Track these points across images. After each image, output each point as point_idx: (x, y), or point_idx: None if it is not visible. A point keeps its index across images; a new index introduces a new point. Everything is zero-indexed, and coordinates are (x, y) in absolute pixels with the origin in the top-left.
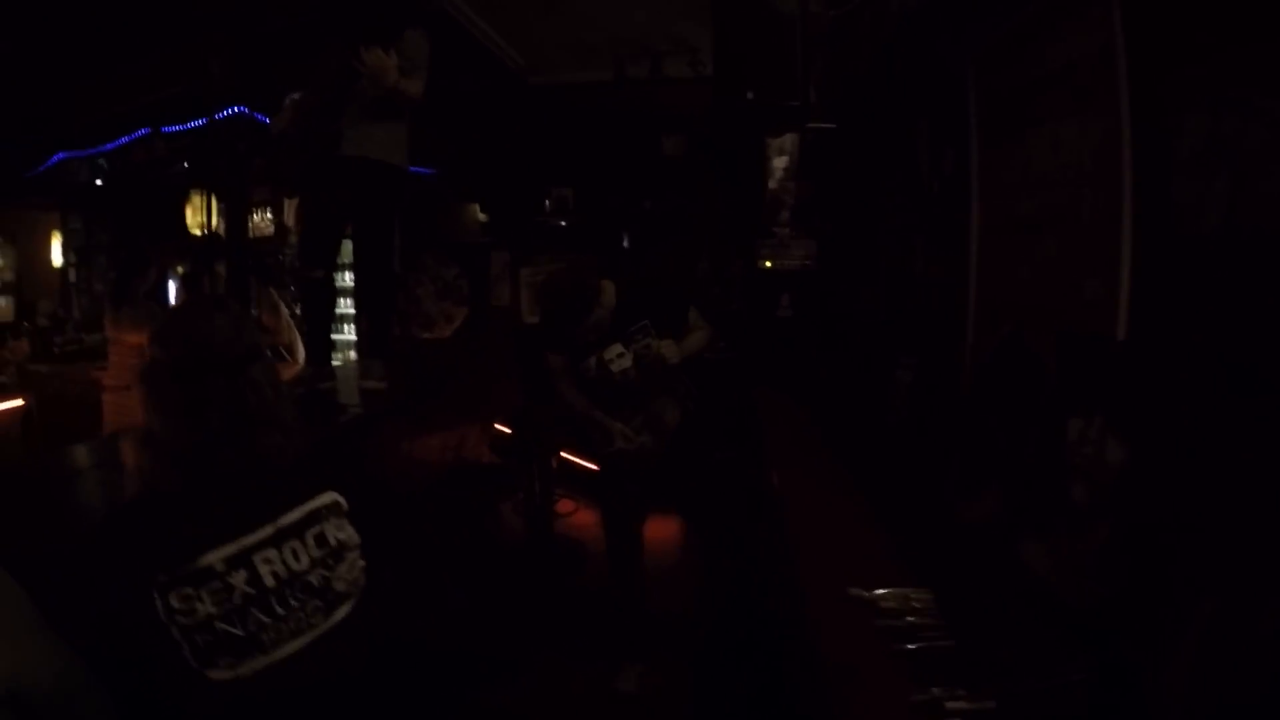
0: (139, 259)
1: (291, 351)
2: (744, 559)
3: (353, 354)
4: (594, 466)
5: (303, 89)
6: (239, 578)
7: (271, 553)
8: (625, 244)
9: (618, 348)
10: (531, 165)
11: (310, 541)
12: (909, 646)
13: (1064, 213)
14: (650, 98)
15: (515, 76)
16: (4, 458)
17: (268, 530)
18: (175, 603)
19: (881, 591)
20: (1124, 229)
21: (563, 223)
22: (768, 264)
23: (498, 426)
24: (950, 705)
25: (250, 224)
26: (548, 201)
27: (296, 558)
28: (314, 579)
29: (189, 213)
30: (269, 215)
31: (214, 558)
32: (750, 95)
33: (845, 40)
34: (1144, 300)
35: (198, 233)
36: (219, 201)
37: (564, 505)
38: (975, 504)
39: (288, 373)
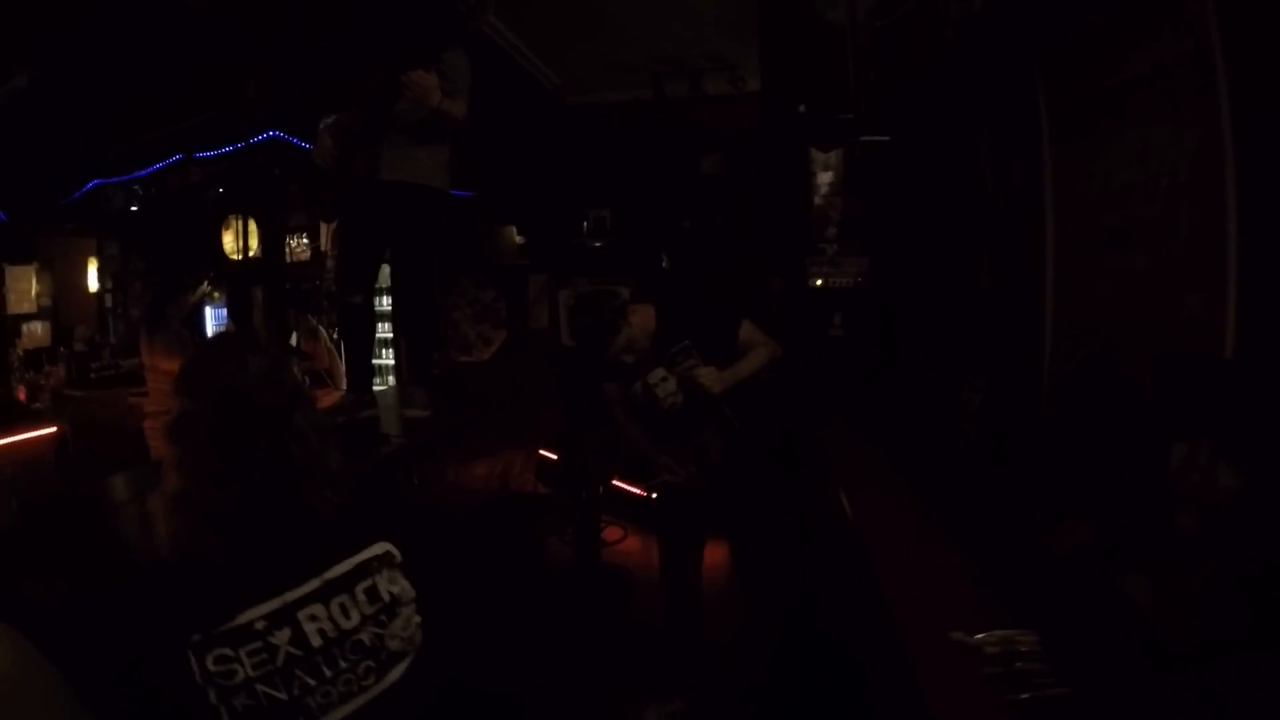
0: (173, 285)
1: (333, 377)
2: (799, 589)
3: (391, 379)
4: (641, 493)
5: (338, 112)
6: (282, 636)
7: (318, 609)
8: (664, 264)
9: (660, 371)
10: (569, 186)
11: (361, 596)
12: (1022, 697)
13: (1155, 225)
14: (688, 116)
15: (552, 97)
16: (39, 486)
17: (314, 584)
18: (212, 665)
19: (984, 635)
20: (1229, 242)
21: (597, 244)
22: (818, 282)
23: (543, 453)
24: None
25: (287, 249)
26: (585, 223)
27: (346, 614)
28: (365, 637)
29: (226, 238)
30: (305, 240)
31: (254, 615)
32: (802, 108)
33: (897, 50)
34: (1254, 316)
35: (235, 258)
36: (256, 227)
37: (611, 533)
38: (1067, 533)
39: (328, 400)
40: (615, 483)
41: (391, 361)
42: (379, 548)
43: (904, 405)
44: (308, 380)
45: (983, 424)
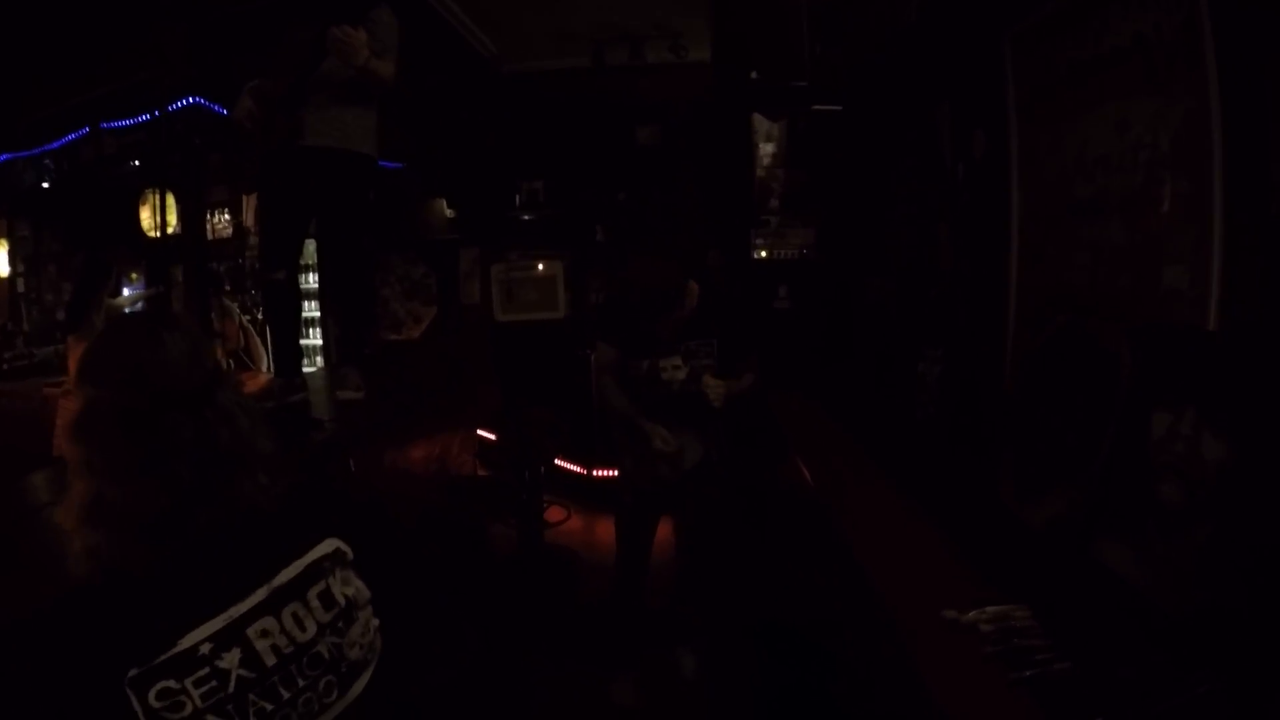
0: (97, 269)
1: (252, 358)
2: (756, 569)
3: (320, 360)
4: (583, 471)
5: (262, 75)
6: (231, 658)
7: (269, 622)
8: (599, 238)
9: (676, 360)
10: (502, 157)
11: (315, 603)
12: (1026, 674)
13: (1135, 197)
14: (627, 86)
15: (488, 64)
16: None
17: (261, 594)
18: (155, 701)
19: (977, 613)
20: (1215, 214)
21: (526, 217)
22: (762, 254)
23: (481, 433)
24: None
25: (208, 226)
26: (518, 195)
27: (300, 625)
28: (324, 649)
29: (143, 214)
30: (227, 216)
31: (198, 637)
32: (754, 75)
33: (855, 16)
34: (1239, 288)
35: (154, 235)
36: (175, 201)
37: (554, 513)
38: (1041, 505)
39: (254, 384)
40: (558, 462)
41: (319, 342)
42: (328, 545)
43: (858, 378)
44: (231, 364)
45: (942, 396)
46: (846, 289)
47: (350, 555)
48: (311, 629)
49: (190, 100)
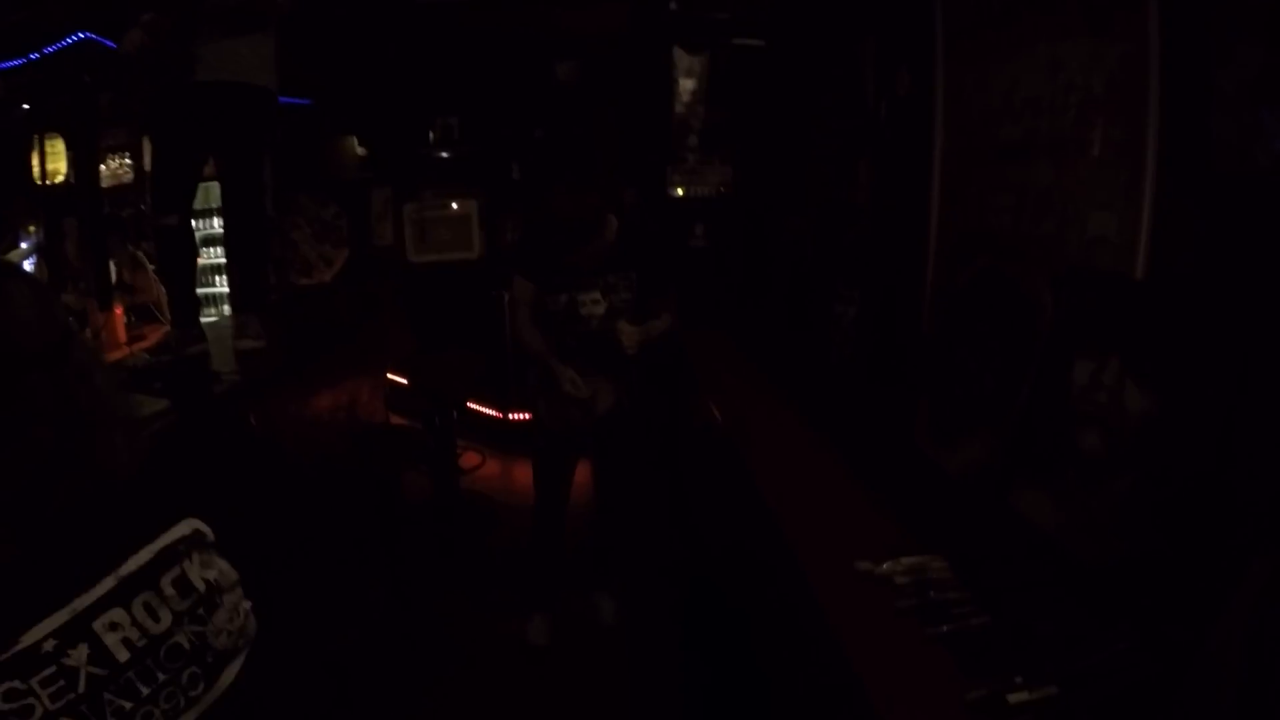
0: None
1: (163, 310)
2: (669, 511)
3: (227, 309)
4: (498, 414)
5: (154, 6)
6: (79, 655)
7: (118, 614)
8: (515, 175)
9: (595, 294)
10: (415, 92)
11: (169, 590)
12: (943, 629)
13: (1063, 140)
14: (545, 18)
15: None
16: None
17: (108, 584)
18: (1, 703)
19: (891, 564)
20: (1147, 162)
21: (440, 154)
22: (679, 191)
23: (391, 377)
24: (1012, 699)
25: (106, 171)
26: (432, 132)
27: (154, 616)
28: (183, 639)
29: (34, 162)
30: (127, 160)
31: (40, 633)
32: (673, 5)
33: None
34: (1170, 238)
35: (44, 184)
36: (65, 147)
37: (469, 459)
38: (958, 450)
39: (154, 337)
40: (472, 406)
41: (226, 290)
42: (184, 527)
43: (773, 317)
44: (132, 317)
45: (858, 337)
46: (763, 228)
47: (210, 536)
48: (167, 619)
49: (79, 36)
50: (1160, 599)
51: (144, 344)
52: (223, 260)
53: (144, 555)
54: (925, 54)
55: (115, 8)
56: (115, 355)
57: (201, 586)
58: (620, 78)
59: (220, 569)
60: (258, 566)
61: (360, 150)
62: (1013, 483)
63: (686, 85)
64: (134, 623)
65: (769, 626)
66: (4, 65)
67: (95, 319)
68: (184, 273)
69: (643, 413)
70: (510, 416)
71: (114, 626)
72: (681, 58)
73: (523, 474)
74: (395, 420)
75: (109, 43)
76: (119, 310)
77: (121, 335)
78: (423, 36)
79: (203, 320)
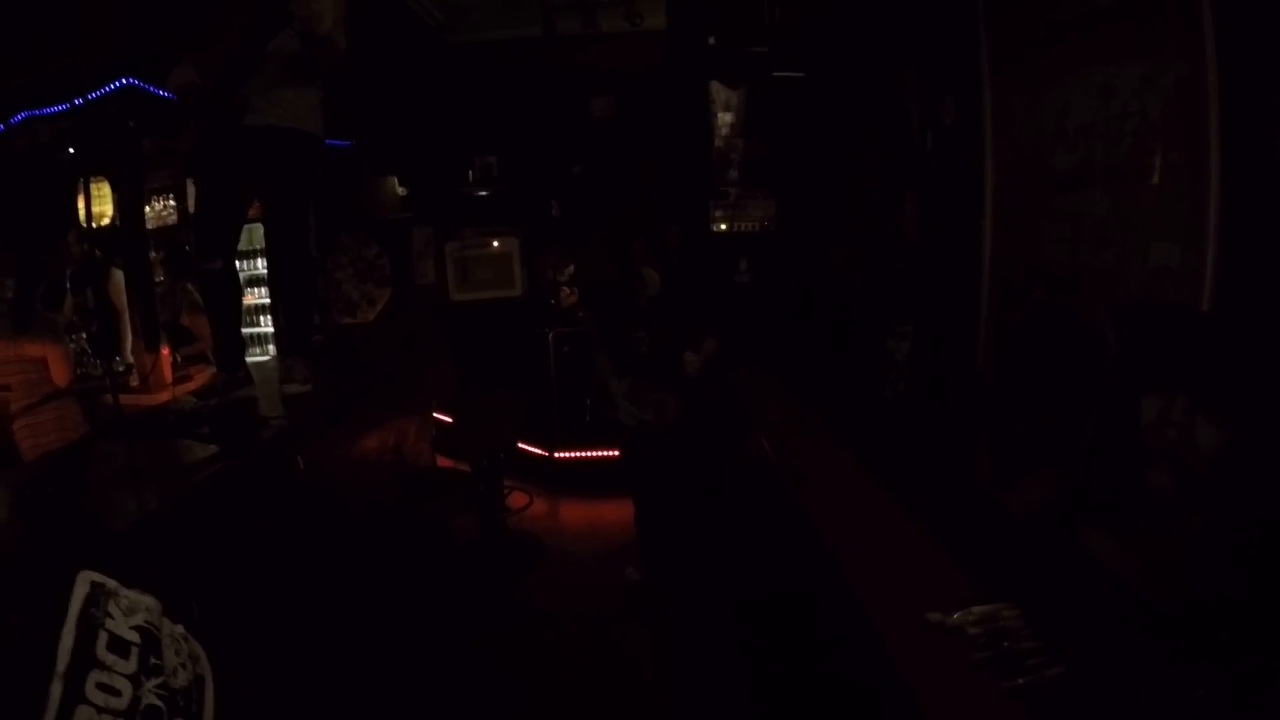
0: (33, 266)
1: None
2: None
3: (272, 348)
4: (540, 451)
5: (200, 51)
6: None
7: (85, 712)
8: (554, 212)
9: (641, 333)
10: (453, 132)
11: (110, 658)
12: (1019, 682)
13: (1120, 168)
14: (579, 56)
15: (435, 34)
16: None
17: (56, 690)
18: None
19: (962, 614)
20: (1211, 188)
21: (479, 193)
22: (722, 226)
23: (437, 415)
24: None
25: (151, 213)
26: (471, 171)
27: (113, 691)
28: (151, 698)
29: (80, 205)
30: (172, 202)
31: None
32: (711, 40)
33: None
34: (1237, 266)
35: (90, 227)
36: (111, 190)
37: (516, 499)
38: (1020, 490)
39: (202, 377)
40: (520, 445)
41: (270, 329)
42: (83, 585)
43: (822, 352)
44: (179, 359)
45: (912, 373)
46: (808, 261)
47: (109, 583)
48: (126, 689)
49: (123, 81)
50: (1236, 641)
51: (189, 385)
52: (267, 300)
53: (67, 639)
54: (971, 80)
55: (160, 55)
56: (161, 397)
57: (135, 637)
58: (657, 112)
59: (144, 605)
60: (173, 583)
61: (401, 190)
62: (1079, 523)
63: (725, 119)
64: (102, 710)
65: (832, 675)
66: (50, 110)
67: (143, 363)
68: (229, 316)
69: (692, 449)
70: (556, 455)
71: None
72: (719, 91)
73: (570, 513)
74: (442, 462)
75: (154, 89)
76: (165, 351)
77: (168, 376)
78: (459, 77)
79: (248, 360)
